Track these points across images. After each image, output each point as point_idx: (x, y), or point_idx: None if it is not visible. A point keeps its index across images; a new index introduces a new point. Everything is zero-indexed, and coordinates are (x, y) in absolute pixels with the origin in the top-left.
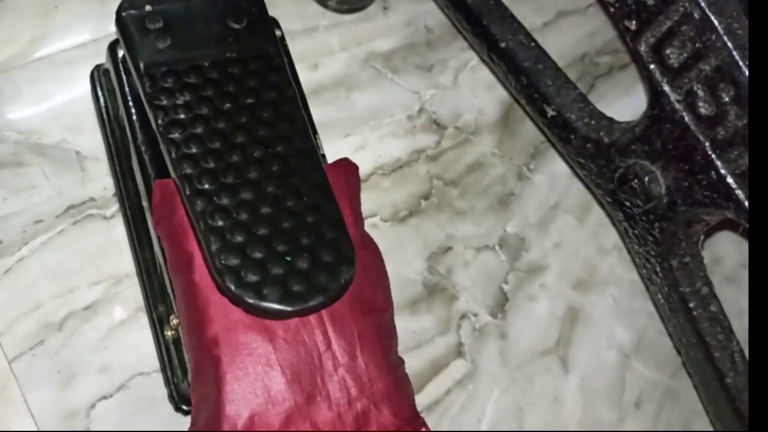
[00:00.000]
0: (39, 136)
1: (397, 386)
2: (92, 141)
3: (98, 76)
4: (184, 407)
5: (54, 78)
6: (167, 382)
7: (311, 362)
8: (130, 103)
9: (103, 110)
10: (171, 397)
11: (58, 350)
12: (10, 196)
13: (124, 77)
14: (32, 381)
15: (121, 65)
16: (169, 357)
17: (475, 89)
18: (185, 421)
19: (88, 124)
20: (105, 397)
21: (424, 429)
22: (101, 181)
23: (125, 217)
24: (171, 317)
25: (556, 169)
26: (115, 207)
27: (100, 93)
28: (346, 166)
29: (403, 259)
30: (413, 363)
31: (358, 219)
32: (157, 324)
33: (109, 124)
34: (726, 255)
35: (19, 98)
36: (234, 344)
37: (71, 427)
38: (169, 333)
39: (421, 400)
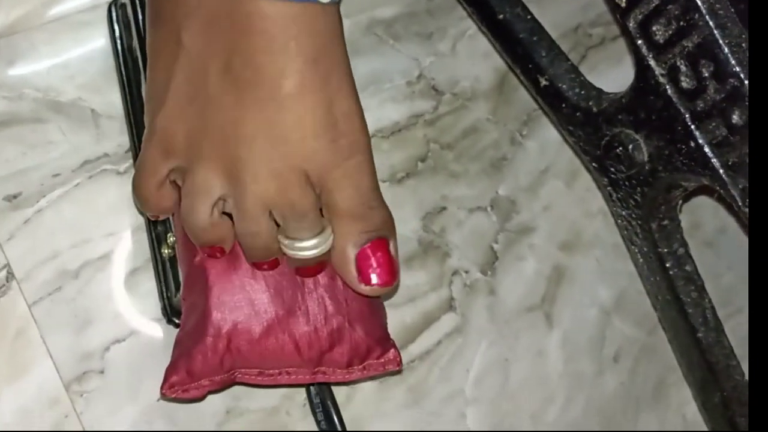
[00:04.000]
0: (56, 93)
1: (371, 309)
2: (107, 100)
3: (115, 9)
4: (176, 320)
5: (71, 38)
6: (161, 296)
7: (293, 279)
8: (144, 35)
9: (118, 42)
10: (164, 310)
11: (74, 297)
12: (28, 151)
13: (139, 10)
14: (51, 325)
15: None
16: (165, 273)
17: (472, 57)
18: None
19: (104, 84)
20: (118, 341)
21: (392, 350)
22: (115, 138)
23: None
24: (168, 235)
25: (547, 136)
26: (128, 163)
27: (116, 26)
28: None
29: (399, 218)
30: (406, 316)
31: None
32: (155, 242)
33: (123, 55)
34: (705, 221)
35: (37, 57)
36: (223, 258)
37: (88, 367)
38: (166, 251)
39: (413, 350)
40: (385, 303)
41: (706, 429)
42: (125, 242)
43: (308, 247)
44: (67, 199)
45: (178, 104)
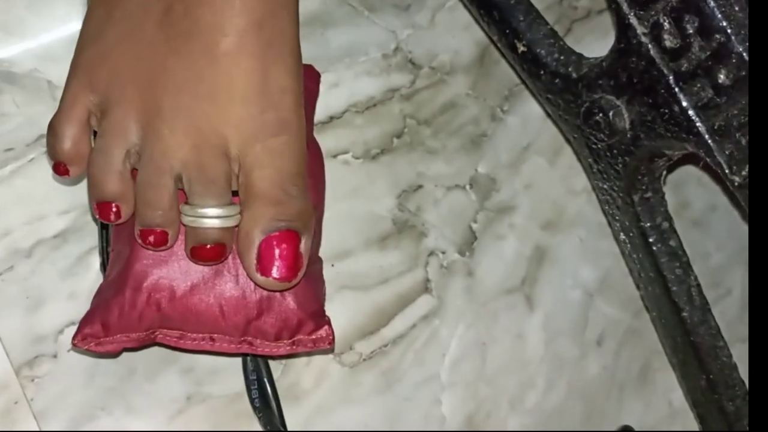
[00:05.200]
0: (10, 64)
1: (307, 280)
2: (64, 71)
3: None
4: None
5: (26, 7)
6: (101, 252)
7: None
8: None
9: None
10: (102, 265)
11: (27, 276)
12: None
13: None
14: (1, 306)
15: None
16: (107, 233)
17: (451, 29)
18: None
19: (62, 55)
20: (73, 323)
21: (326, 327)
22: None
23: None
24: None
25: (529, 111)
26: None
27: None
28: (307, 71)
29: (373, 196)
30: (380, 298)
31: (308, 123)
32: None
33: None
34: (694, 199)
35: None
36: None
37: (40, 351)
38: None
39: (386, 334)
40: (358, 284)
41: (693, 416)
42: (81, 220)
43: (209, 216)
44: (21, 174)
45: (111, 42)
